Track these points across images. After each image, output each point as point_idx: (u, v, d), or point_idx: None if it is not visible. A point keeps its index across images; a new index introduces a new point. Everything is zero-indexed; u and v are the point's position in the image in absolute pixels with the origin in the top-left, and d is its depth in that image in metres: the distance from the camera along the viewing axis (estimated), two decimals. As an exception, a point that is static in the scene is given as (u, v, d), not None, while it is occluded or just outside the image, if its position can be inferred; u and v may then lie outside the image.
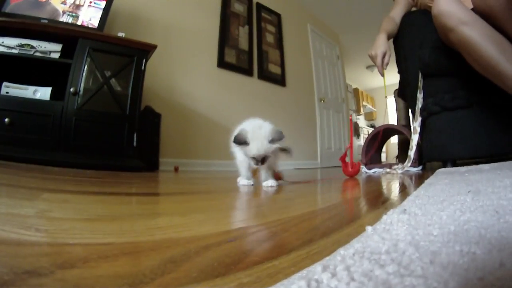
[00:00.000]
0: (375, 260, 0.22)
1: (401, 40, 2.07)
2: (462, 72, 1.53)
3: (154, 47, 2.38)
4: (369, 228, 0.34)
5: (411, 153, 1.84)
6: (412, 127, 1.91)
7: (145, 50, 2.34)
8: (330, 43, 5.75)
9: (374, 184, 1.14)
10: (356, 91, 8.57)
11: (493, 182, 0.71)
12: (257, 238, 0.36)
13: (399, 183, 1.17)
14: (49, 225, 0.41)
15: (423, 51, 1.72)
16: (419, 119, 1.85)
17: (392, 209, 0.44)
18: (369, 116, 9.26)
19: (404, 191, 0.89)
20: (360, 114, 8.65)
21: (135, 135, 2.16)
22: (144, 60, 2.31)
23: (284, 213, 0.53)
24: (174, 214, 0.55)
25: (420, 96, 1.84)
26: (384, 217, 0.39)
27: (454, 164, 1.73)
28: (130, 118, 2.17)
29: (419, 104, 1.85)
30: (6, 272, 0.23)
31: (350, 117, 1.70)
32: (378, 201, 0.69)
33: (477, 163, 1.63)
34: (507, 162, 1.42)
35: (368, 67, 7.91)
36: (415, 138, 1.86)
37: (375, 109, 9.59)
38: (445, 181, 0.91)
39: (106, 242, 0.34)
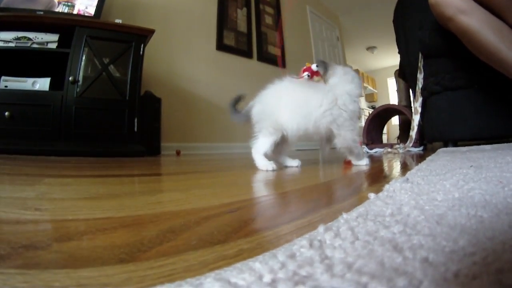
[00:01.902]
0: (380, 222, 0.22)
1: (401, 20, 2.03)
2: (463, 53, 1.48)
3: (151, 31, 2.33)
4: (371, 195, 0.33)
5: (413, 133, 1.83)
6: (413, 108, 1.89)
7: (143, 35, 2.30)
8: (329, 24, 5.64)
9: (376, 162, 1.13)
10: (356, 72, 8.46)
11: (495, 159, 0.71)
12: (258, 209, 0.36)
13: (401, 161, 1.16)
14: (49, 204, 0.41)
15: (423, 32, 1.68)
16: (420, 99, 1.83)
17: (394, 180, 0.43)
18: (370, 98, 9.18)
19: (405, 168, 0.89)
20: (362, 96, 8.57)
21: (135, 120, 2.14)
22: (142, 45, 2.27)
23: (286, 187, 0.53)
24: (174, 190, 0.54)
25: (420, 76, 1.81)
26: (387, 186, 0.38)
27: (456, 145, 1.72)
28: (130, 103, 2.14)
29: (420, 84, 1.82)
30: (3, 248, 0.23)
31: None
32: (380, 176, 0.68)
33: (479, 144, 1.61)
34: (508, 144, 1.42)
35: (368, 48, 7.81)
36: (416, 118, 1.84)
37: (376, 91, 9.50)
38: (447, 158, 0.90)
39: (105, 216, 0.34)
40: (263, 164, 0.91)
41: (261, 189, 0.55)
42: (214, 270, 0.17)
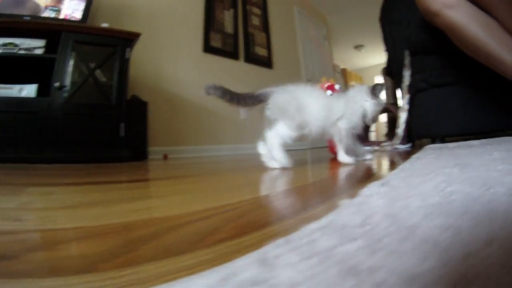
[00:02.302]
0: (345, 234, 0.20)
1: (387, 18, 2.03)
2: (451, 49, 1.45)
3: (137, 35, 2.31)
4: (345, 201, 0.32)
5: (399, 130, 1.83)
6: (400, 105, 1.88)
7: (129, 39, 2.27)
8: (317, 24, 5.66)
9: (361, 161, 1.13)
10: (344, 71, 8.53)
11: (482, 156, 0.70)
12: (229, 216, 0.35)
13: (388, 160, 1.16)
14: (29, 215, 0.41)
15: (410, 29, 1.67)
16: (406, 96, 1.83)
17: (374, 182, 0.42)
18: (358, 96, 9.28)
19: (390, 167, 0.88)
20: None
21: (122, 125, 2.11)
22: (128, 49, 2.25)
23: (264, 191, 0.52)
24: (153, 197, 0.54)
25: (407, 73, 1.81)
26: (364, 189, 0.37)
27: (443, 141, 1.71)
28: (116, 108, 2.12)
29: (406, 81, 1.81)
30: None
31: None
32: (364, 177, 0.68)
33: (467, 140, 1.60)
34: (496, 139, 1.41)
35: (356, 47, 7.86)
36: (402, 116, 1.84)
37: (363, 89, 9.60)
38: (433, 155, 0.90)
39: (80, 226, 0.34)
40: (282, 158, 0.92)
41: (239, 194, 0.54)
42: (167, 282, 0.17)
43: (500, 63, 1.15)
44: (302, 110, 0.95)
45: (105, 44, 2.18)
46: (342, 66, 8.45)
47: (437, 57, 1.62)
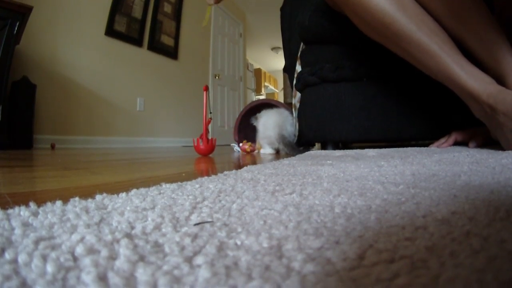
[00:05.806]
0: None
1: (289, 6, 1.99)
2: (351, 38, 1.33)
3: (29, 9, 2.30)
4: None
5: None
6: (293, 104, 1.80)
7: (19, 12, 2.25)
8: (234, 20, 5.96)
9: (220, 160, 1.11)
10: (258, 71, 9.01)
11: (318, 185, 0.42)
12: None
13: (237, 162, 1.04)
14: None
15: (304, 14, 1.49)
16: (298, 94, 1.72)
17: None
18: (271, 97, 9.86)
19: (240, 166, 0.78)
20: (261, 94, 9.21)
21: (-1, 107, 2.09)
22: (17, 24, 2.23)
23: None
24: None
25: (299, 68, 1.69)
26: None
27: (337, 147, 1.58)
28: (-5, 88, 2.08)
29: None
30: None
31: (204, 88, 1.52)
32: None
33: (379, 147, 1.45)
34: (402, 149, 1.16)
35: (273, 48, 8.37)
36: (295, 115, 1.74)
37: (277, 90, 10.29)
38: (284, 170, 0.59)
39: None
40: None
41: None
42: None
43: (417, 46, 0.96)
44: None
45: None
46: (257, 66, 8.95)
47: (333, 47, 1.48)
